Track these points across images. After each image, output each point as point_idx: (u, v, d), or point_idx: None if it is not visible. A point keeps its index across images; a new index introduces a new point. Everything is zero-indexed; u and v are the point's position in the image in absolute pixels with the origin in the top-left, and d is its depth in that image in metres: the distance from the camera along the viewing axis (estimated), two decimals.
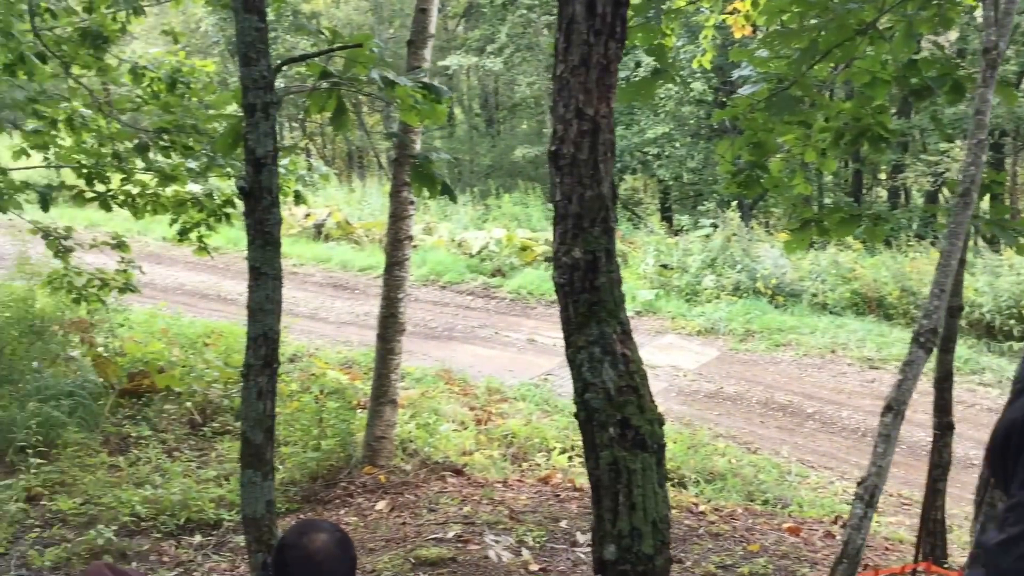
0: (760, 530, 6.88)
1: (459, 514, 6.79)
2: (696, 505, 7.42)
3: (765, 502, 8.46)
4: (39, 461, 8.06)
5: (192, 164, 7.96)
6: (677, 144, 22.00)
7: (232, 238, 18.05)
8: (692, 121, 22.18)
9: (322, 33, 4.09)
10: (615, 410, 2.60)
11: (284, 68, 4.15)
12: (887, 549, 7.03)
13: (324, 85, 4.23)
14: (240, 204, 9.04)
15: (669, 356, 13.01)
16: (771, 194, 5.99)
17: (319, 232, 19.37)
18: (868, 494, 4.10)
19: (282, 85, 5.63)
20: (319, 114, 4.67)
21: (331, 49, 4.03)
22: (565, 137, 2.65)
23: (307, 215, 19.76)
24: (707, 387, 11.98)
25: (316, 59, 4.18)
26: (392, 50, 20.97)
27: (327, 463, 7.98)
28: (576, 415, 2.71)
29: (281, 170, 7.73)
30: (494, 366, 12.34)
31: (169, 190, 8.09)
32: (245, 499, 3.79)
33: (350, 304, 15.70)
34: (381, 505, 7.12)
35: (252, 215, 3.81)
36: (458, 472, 8.07)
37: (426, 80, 4.26)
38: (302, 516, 7.01)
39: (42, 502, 7.36)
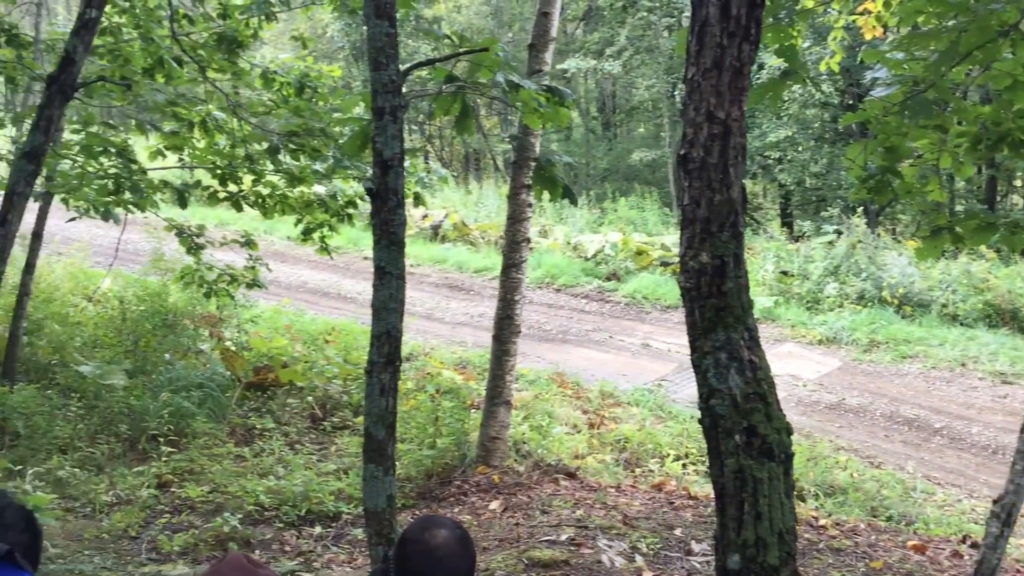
0: (883, 547, 6.65)
1: (572, 517, 6.79)
2: (816, 519, 7.23)
3: (888, 518, 8.17)
4: (170, 449, 8.44)
5: (318, 166, 8.20)
6: (800, 148, 21.47)
7: (352, 238, 18.52)
8: (816, 124, 21.61)
9: (449, 38, 4.15)
10: (741, 417, 2.56)
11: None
12: (1019, 572, 6.71)
13: (450, 89, 4.30)
14: (362, 205, 9.30)
15: (788, 365, 12.69)
16: (902, 200, 5.78)
17: (436, 233, 19.66)
18: (1005, 513, 3.92)
19: (406, 89, 5.74)
20: (443, 117, 4.75)
21: (458, 53, 4.09)
22: (695, 141, 2.62)
23: (424, 216, 20.08)
24: (828, 398, 11.64)
25: (442, 63, 4.25)
26: (512, 54, 21.11)
27: (442, 461, 8.09)
28: (700, 421, 2.68)
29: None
30: (608, 370, 12.28)
31: (296, 191, 8.35)
32: (367, 493, 3.88)
33: (465, 305, 15.87)
34: (494, 505, 7.18)
35: (378, 215, 3.90)
36: (571, 475, 8.06)
37: (550, 83, 4.28)
38: (417, 512, 7.13)
39: (172, 489, 7.70)
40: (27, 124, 8.32)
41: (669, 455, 9.24)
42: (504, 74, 4.13)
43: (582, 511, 6.99)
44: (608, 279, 16.68)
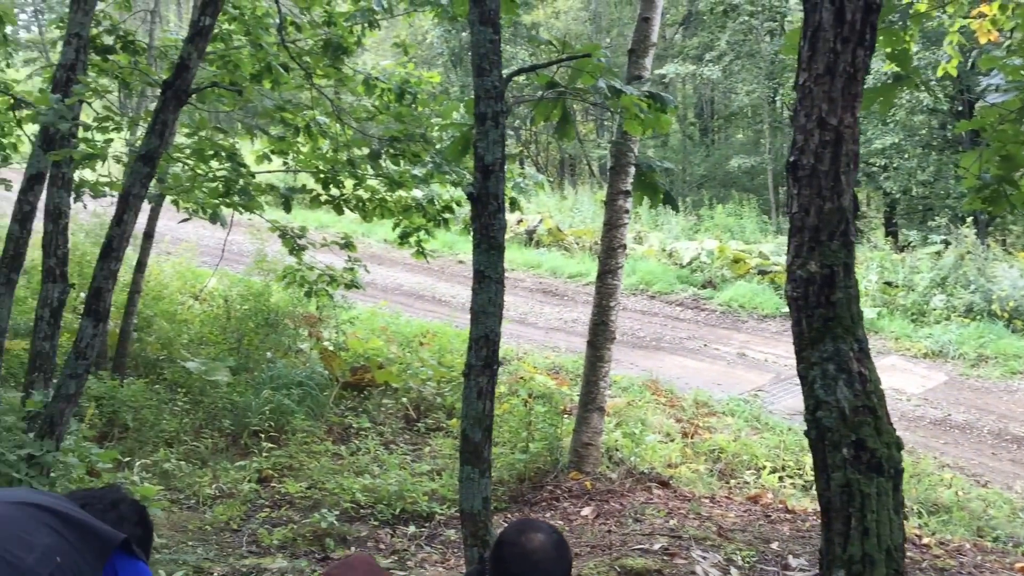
0: (990, 568, 6.39)
1: (665, 527, 6.72)
2: (919, 537, 6.99)
3: (995, 539, 7.86)
4: (270, 445, 8.66)
5: (417, 171, 8.31)
6: (906, 155, 20.83)
7: (448, 242, 18.72)
8: (923, 131, 20.94)
9: (551, 43, 4.16)
10: (849, 430, 2.49)
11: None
12: None
13: (551, 95, 4.31)
14: (458, 209, 9.39)
15: (891, 378, 12.31)
16: (1018, 211, 5.56)
17: (530, 238, 19.73)
18: None
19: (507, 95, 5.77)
20: (542, 123, 4.77)
21: (561, 59, 4.10)
22: (805, 148, 2.57)
23: (519, 221, 20.17)
24: (933, 413, 11.26)
25: (544, 69, 4.26)
26: (611, 59, 21.08)
27: (534, 466, 8.11)
28: (806, 433, 2.62)
29: None
30: (702, 379, 12.13)
31: (396, 195, 8.49)
32: (463, 494, 3.91)
33: (558, 310, 15.88)
34: (587, 511, 7.15)
35: (478, 220, 3.93)
36: (664, 484, 7.98)
37: (652, 90, 4.25)
38: (509, 516, 7.16)
39: (272, 484, 7.89)
40: (141, 128, 8.68)
41: (765, 467, 9.07)
42: (606, 80, 4.13)
43: (675, 521, 6.91)
44: (704, 287, 16.48)
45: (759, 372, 12.60)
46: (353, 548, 6.44)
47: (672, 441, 9.63)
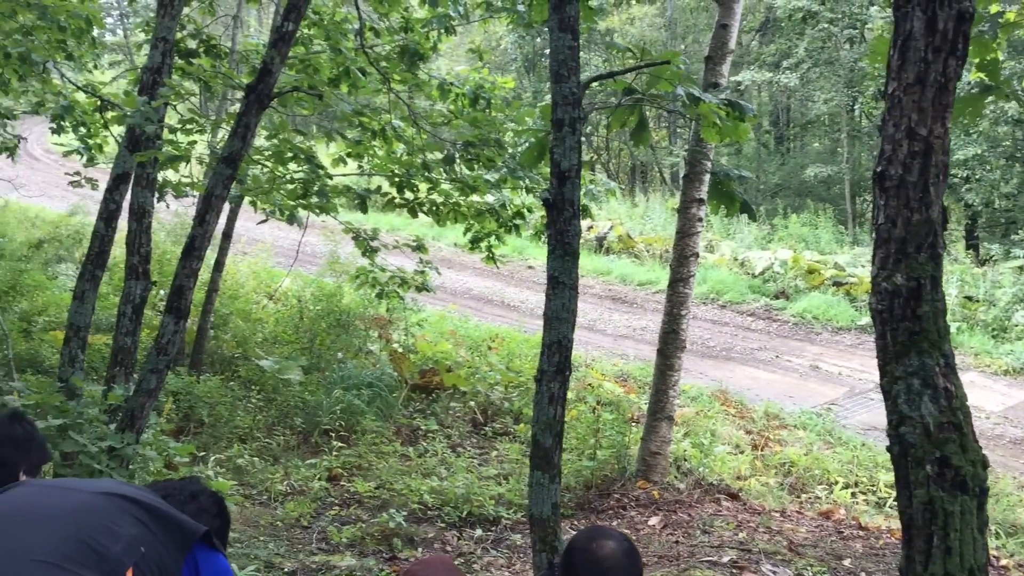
0: None
1: (734, 539, 6.63)
2: (997, 559, 6.80)
3: None
4: (340, 444, 8.77)
5: (489, 176, 8.35)
6: (989, 167, 20.26)
7: (517, 247, 18.76)
8: (1008, 143, 20.34)
9: (630, 50, 4.15)
10: (933, 447, 2.43)
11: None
12: None
13: (628, 101, 4.29)
14: (528, 215, 9.41)
15: (970, 395, 11.74)
16: None
17: (600, 245, 19.67)
18: None
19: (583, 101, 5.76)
20: (618, 129, 4.75)
21: (640, 66, 4.09)
22: (893, 158, 2.52)
23: (590, 228, 20.12)
24: (1013, 432, 10.92)
25: (623, 76, 4.25)
26: (688, 66, 20.93)
27: (601, 473, 8.07)
28: (889, 449, 2.57)
29: None
30: (773, 391, 11.94)
31: (469, 200, 8.54)
32: (532, 499, 3.91)
33: (627, 317, 15.80)
34: (654, 521, 7.10)
35: (554, 226, 3.93)
36: (734, 496, 7.88)
37: (731, 97, 4.20)
38: (576, 522, 7.13)
39: (341, 483, 7.99)
40: (222, 130, 8.88)
41: (837, 483, 8.89)
42: (684, 87, 4.10)
43: (745, 534, 6.82)
44: (776, 297, 16.24)
45: (833, 385, 12.36)
46: (420, 549, 6.48)
47: (742, 453, 9.49)
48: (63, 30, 8.62)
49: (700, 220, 8.15)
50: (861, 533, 7.18)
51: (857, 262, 17.21)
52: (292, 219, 7.42)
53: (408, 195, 8.19)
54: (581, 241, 15.39)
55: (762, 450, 9.72)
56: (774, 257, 17.25)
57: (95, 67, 12.82)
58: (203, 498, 2.61)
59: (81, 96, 8.82)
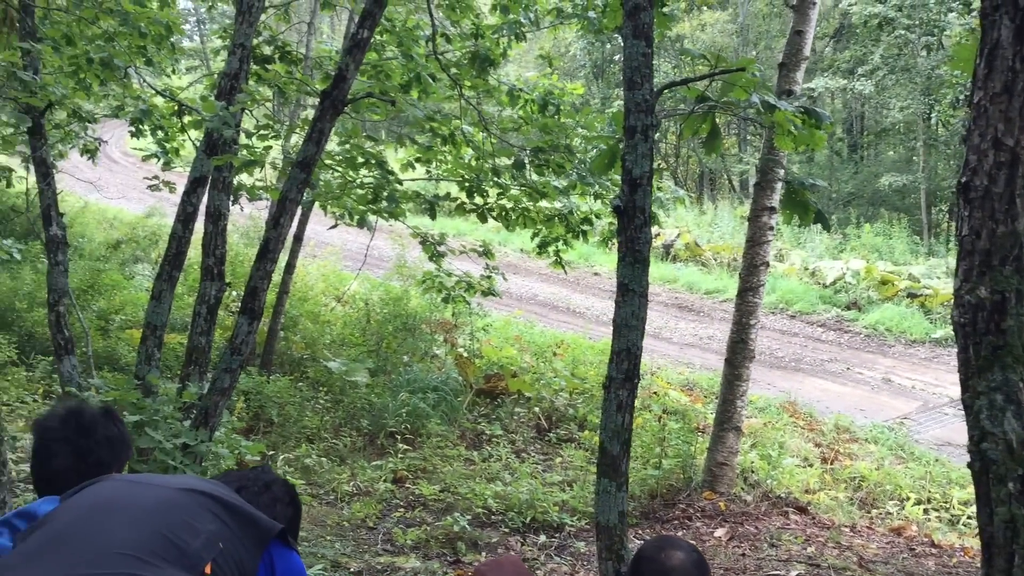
0: None
1: (802, 554, 6.52)
2: None
3: None
4: (405, 447, 8.85)
5: (557, 182, 8.35)
6: None
7: (584, 254, 18.73)
8: None
9: (705, 58, 4.12)
10: (1016, 464, 2.36)
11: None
12: None
13: (701, 108, 4.26)
14: (596, 221, 9.38)
15: None
16: None
17: (667, 252, 19.53)
18: None
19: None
20: (683, 137, 4.72)
21: (714, 73, 4.05)
22: (978, 168, 2.45)
23: (657, 235, 19.98)
24: None
25: (697, 83, 4.22)
26: (763, 72, 20.69)
27: (666, 483, 8.01)
28: (969, 465, 2.50)
29: None
30: (843, 403, 11.72)
31: (539, 205, 8.55)
32: (599, 507, 3.89)
33: (694, 326, 15.65)
34: (720, 533, 7.02)
35: (624, 233, 3.91)
36: (802, 510, 7.75)
37: (808, 105, 4.14)
38: (640, 531, 7.09)
39: (406, 485, 8.06)
40: (295, 135, 9.03)
41: (909, 498, 8.68)
42: (760, 95, 4.05)
43: (813, 548, 6.70)
44: (847, 308, 15.93)
45: (905, 399, 12.09)
46: (484, 553, 6.50)
47: (811, 466, 9.33)
48: (144, 36, 8.85)
49: (771, 229, 8.05)
50: (934, 551, 7.01)
51: (932, 273, 16.81)
52: (362, 223, 7.50)
53: (478, 200, 8.23)
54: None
55: (832, 463, 9.55)
56: (846, 267, 16.93)
57: (173, 72, 13.14)
58: (276, 487, 2.65)
59: (159, 100, 9.04)
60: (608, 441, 3.88)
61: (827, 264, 17.50)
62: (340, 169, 7.64)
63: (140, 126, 8.81)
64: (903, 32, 22.06)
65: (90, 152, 9.88)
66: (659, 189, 9.37)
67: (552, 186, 7.90)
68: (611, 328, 3.97)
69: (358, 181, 7.63)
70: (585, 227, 9.22)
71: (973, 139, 2.47)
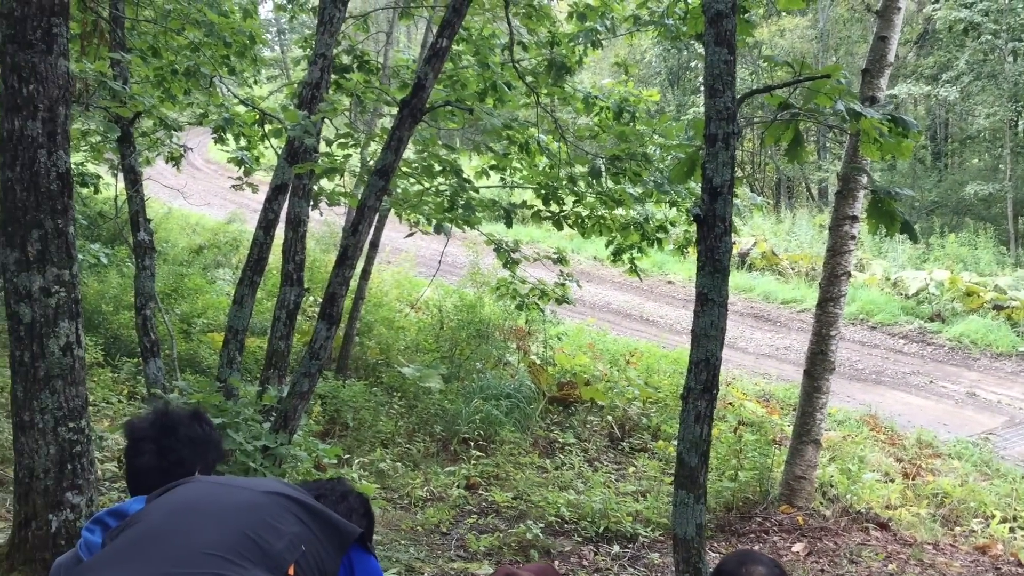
0: None
1: (883, 571, 6.36)
2: None
3: None
4: (478, 453, 8.87)
5: (631, 189, 8.30)
6: None
7: (657, 262, 18.58)
8: None
9: (789, 65, 4.05)
10: None
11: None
12: None
13: (784, 116, 4.19)
14: (671, 229, 9.30)
15: None
16: None
17: (743, 261, 19.27)
18: None
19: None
20: (760, 144, 4.65)
21: (798, 80, 3.98)
22: None
23: (732, 244, 19.74)
24: None
25: (780, 90, 4.15)
26: (848, 80, 20.33)
27: (743, 495, 7.88)
28: None
29: None
30: (926, 417, 11.41)
31: (614, 213, 8.52)
32: (676, 519, 3.85)
33: (770, 336, 15.41)
34: (798, 547, 6.88)
35: (704, 242, 3.87)
36: (883, 526, 7.55)
37: (895, 113, 4.04)
38: (715, 544, 6.99)
39: (479, 491, 8.08)
40: (373, 144, 9.15)
41: (995, 516, 8.39)
42: (845, 102, 3.97)
43: (895, 565, 6.53)
44: (931, 320, 15.51)
45: (991, 414, 11.71)
46: (557, 562, 6.48)
47: (891, 481, 9.10)
48: (228, 46, 9.07)
49: (853, 238, 7.88)
50: (1020, 571, 6.77)
51: (1020, 285, 16.27)
52: (439, 229, 7.57)
53: (554, 208, 8.23)
54: None
55: (913, 479, 9.30)
56: (929, 278, 16.49)
57: (255, 82, 13.42)
58: (352, 498, 2.70)
59: (241, 109, 9.25)
60: (686, 453, 3.84)
61: (909, 274, 17.07)
62: (417, 177, 7.72)
63: (223, 133, 9.02)
64: (989, 37, 21.43)
65: (175, 159, 10.15)
66: (736, 196, 9.25)
67: (628, 194, 7.86)
68: (685, 337, 3.95)
69: (434, 189, 7.69)
70: (660, 235, 9.15)
71: None
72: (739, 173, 29.47)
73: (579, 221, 8.37)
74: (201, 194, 23.66)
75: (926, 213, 22.93)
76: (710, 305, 3.87)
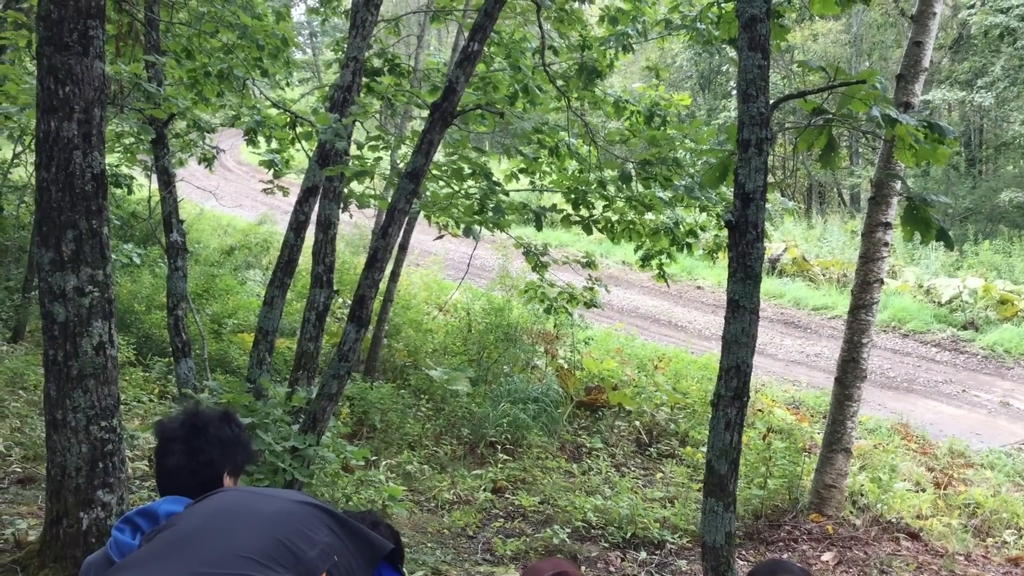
0: None
1: None
2: None
3: None
4: (505, 457, 8.87)
5: (662, 194, 8.26)
6: None
7: (687, 267, 18.49)
8: None
9: (824, 70, 4.01)
10: None
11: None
12: None
13: (818, 121, 4.15)
14: (701, 234, 9.24)
15: None
16: None
17: (773, 267, 19.12)
18: None
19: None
20: (805, 151, 4.61)
21: (833, 85, 3.94)
22: None
23: (764, 249, 19.60)
24: None
25: (814, 95, 4.12)
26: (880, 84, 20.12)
27: (771, 503, 7.82)
28: None
29: None
30: (958, 427, 11.26)
31: (645, 218, 8.48)
32: (705, 527, 3.82)
33: (800, 343, 15.28)
34: (827, 557, 6.81)
35: (736, 248, 3.84)
36: (914, 536, 7.46)
37: (931, 119, 3.99)
38: (744, 553, 6.93)
39: (506, 495, 8.07)
40: (404, 146, 9.17)
41: None
42: (880, 107, 3.92)
43: None
44: (964, 328, 15.31)
45: None
46: (584, 568, 6.45)
47: (923, 491, 8.99)
48: (261, 48, 9.13)
49: (886, 245, 7.81)
50: None
51: None
52: (468, 232, 7.57)
53: (583, 212, 8.20)
54: None
55: (945, 489, 9.19)
56: (963, 285, 16.28)
57: (287, 84, 13.49)
58: (383, 528, 2.71)
59: (273, 111, 9.30)
60: (715, 460, 3.81)
61: (942, 282, 16.86)
62: (446, 180, 7.72)
63: (255, 136, 9.06)
64: None
65: (207, 161, 10.22)
66: (767, 201, 9.18)
67: (658, 198, 7.82)
68: (713, 343, 3.92)
69: (463, 192, 7.69)
70: (690, 239, 9.09)
71: None
72: (770, 179, 29.29)
73: (608, 226, 8.34)
74: (233, 195, 23.85)
75: (960, 220, 22.66)
76: (741, 312, 3.84)
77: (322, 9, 11.28)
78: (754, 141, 3.79)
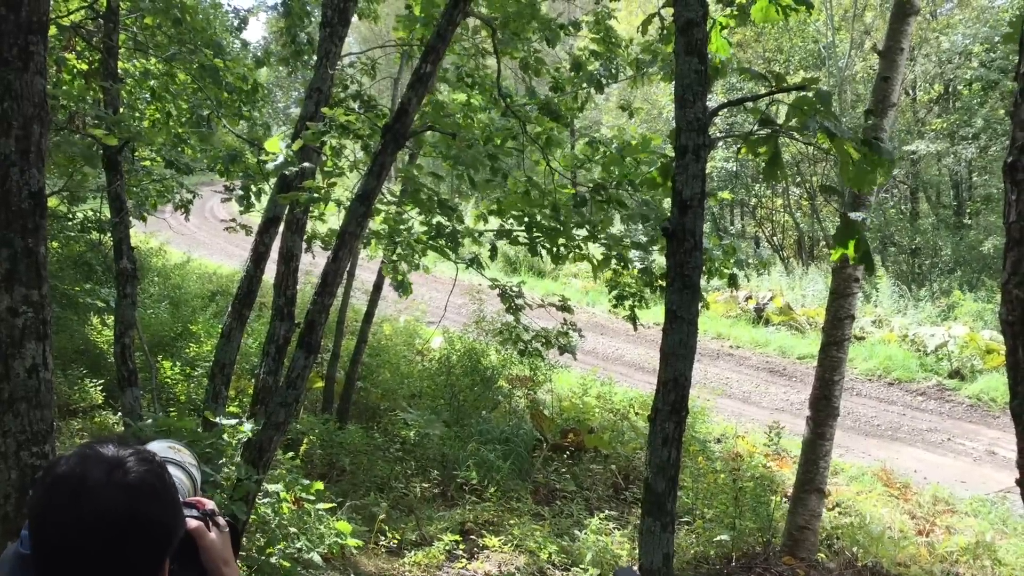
0: None
1: None
2: None
3: None
4: (474, 499, 8.66)
5: (638, 237, 8.10)
6: None
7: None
8: None
9: (765, 77, 3.95)
10: None
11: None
12: None
13: (761, 132, 4.07)
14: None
15: None
16: None
17: (759, 316, 19.00)
18: None
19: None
20: (753, 160, 4.53)
21: (772, 91, 3.87)
22: None
23: (748, 298, 19.51)
24: None
25: (755, 103, 4.04)
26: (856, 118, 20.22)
27: (743, 545, 7.60)
28: (1018, 482, 2.22)
29: (717, 252, 7.59)
30: (943, 474, 11.05)
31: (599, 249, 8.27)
32: (643, 548, 3.65)
33: (785, 391, 15.08)
34: None
35: (673, 257, 3.73)
36: None
37: (873, 138, 3.89)
38: None
39: (471, 536, 7.85)
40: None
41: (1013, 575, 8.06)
42: (819, 119, 3.84)
43: None
44: (950, 376, 15.12)
45: (1010, 472, 11.21)
46: None
47: (904, 537, 8.76)
48: (231, 92, 9.13)
49: (856, 280, 7.70)
50: None
51: None
52: (400, 287, 7.49)
53: (534, 233, 8.00)
54: (739, 312, 14.95)
55: (927, 536, 8.96)
56: (948, 334, 16.13)
57: (265, 127, 13.47)
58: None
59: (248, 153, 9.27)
60: (653, 478, 3.66)
61: (928, 331, 16.72)
62: (403, 204, 7.57)
63: (229, 169, 8.99)
64: (1008, 95, 21.32)
65: (184, 207, 10.16)
66: (732, 250, 9.02)
67: (609, 220, 7.71)
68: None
69: (414, 220, 7.49)
70: (662, 282, 8.95)
71: (1020, 114, 2.24)
72: (757, 230, 29.32)
73: (555, 250, 8.08)
74: (222, 245, 23.80)
75: (946, 271, 22.59)
76: (679, 322, 3.71)
77: (291, 61, 11.30)
78: (691, 147, 3.71)
